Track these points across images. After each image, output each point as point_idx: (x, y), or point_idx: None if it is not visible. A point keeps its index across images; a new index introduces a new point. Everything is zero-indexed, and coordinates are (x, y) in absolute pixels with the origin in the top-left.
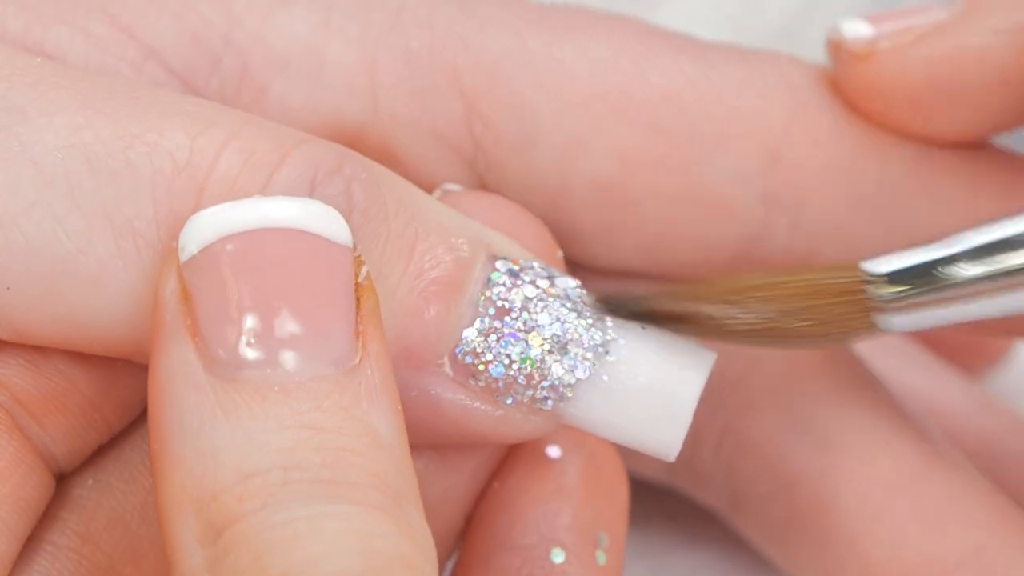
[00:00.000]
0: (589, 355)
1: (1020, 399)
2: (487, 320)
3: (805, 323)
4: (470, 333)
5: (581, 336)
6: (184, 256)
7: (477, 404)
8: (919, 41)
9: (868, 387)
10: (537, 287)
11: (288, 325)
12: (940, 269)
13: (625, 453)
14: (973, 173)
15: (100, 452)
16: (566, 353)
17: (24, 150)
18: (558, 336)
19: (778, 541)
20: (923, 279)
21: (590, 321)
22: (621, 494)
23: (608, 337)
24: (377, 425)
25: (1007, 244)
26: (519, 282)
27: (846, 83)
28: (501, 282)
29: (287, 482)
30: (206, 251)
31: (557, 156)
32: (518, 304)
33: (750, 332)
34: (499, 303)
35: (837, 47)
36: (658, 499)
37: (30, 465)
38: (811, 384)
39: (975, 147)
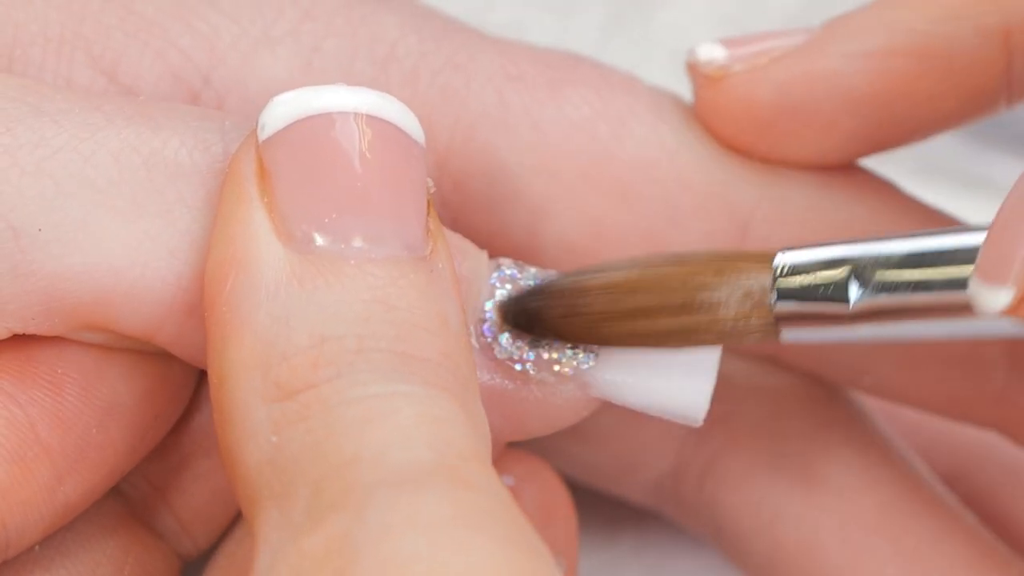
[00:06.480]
0: None
1: None
2: (504, 293)
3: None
4: (491, 304)
5: None
6: (264, 135)
7: (508, 379)
8: (771, 64)
9: (853, 423)
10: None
11: (364, 205)
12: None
13: (618, 476)
14: None
15: None
16: None
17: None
18: None
19: None
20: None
21: None
22: (572, 521)
23: None
24: (447, 311)
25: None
26: (525, 269)
27: (700, 106)
28: (508, 265)
29: (362, 350)
30: (286, 131)
31: (526, 217)
32: (530, 281)
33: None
34: (512, 281)
35: (693, 69)
36: None
37: None
38: (795, 422)
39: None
